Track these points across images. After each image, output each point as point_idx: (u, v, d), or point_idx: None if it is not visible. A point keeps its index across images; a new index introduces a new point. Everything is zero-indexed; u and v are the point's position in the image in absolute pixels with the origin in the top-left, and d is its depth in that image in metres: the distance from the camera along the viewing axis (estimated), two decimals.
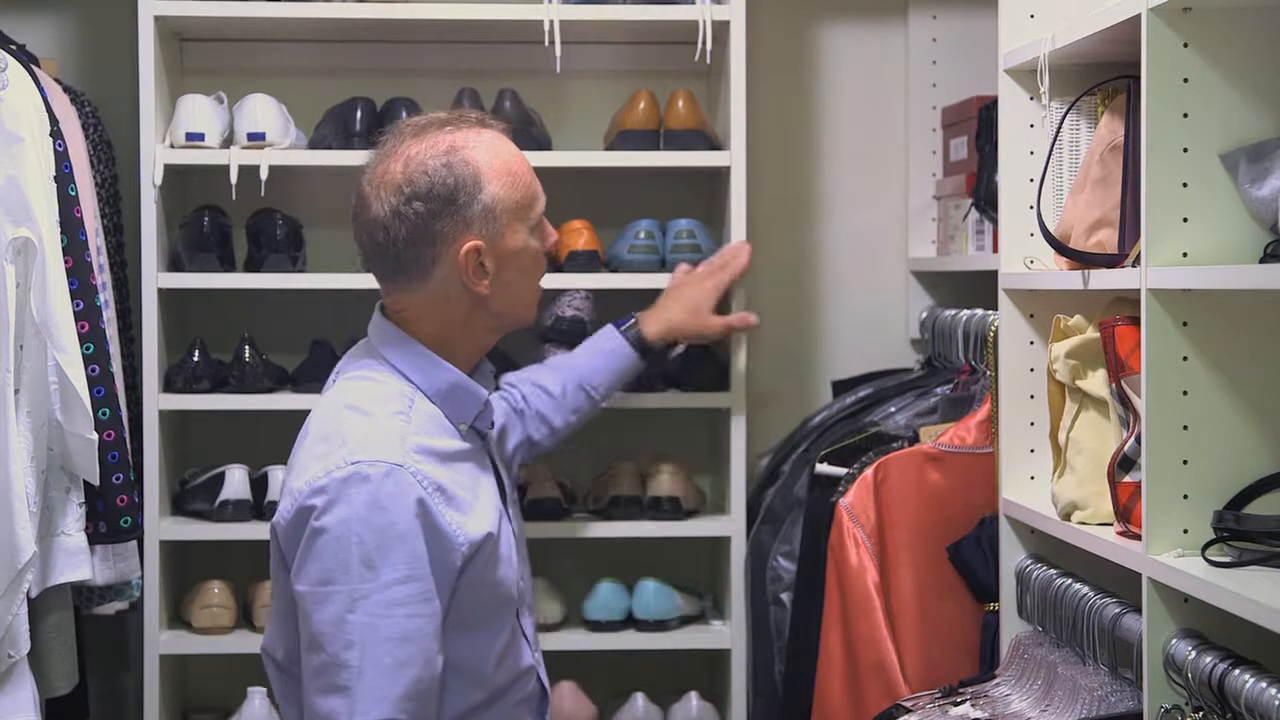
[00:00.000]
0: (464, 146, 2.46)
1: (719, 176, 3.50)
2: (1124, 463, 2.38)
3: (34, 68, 3.04)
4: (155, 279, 3.36)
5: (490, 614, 2.45)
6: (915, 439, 3.07)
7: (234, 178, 3.35)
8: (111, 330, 3.17)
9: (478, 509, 2.43)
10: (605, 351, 3.10)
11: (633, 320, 3.14)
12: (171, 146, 3.38)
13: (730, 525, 3.43)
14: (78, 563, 2.88)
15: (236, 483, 3.42)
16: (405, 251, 2.45)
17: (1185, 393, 2.25)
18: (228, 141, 3.42)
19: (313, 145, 3.47)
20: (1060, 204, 2.69)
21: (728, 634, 3.45)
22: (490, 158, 2.46)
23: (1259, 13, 2.24)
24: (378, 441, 2.37)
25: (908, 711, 2.69)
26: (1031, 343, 2.80)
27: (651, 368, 3.22)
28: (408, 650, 2.31)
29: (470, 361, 2.53)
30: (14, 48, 3.06)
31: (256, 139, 3.38)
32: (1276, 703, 2.00)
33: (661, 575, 3.52)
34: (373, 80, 3.59)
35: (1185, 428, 2.26)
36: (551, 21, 3.36)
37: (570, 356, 3.12)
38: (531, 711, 2.57)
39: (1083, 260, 2.53)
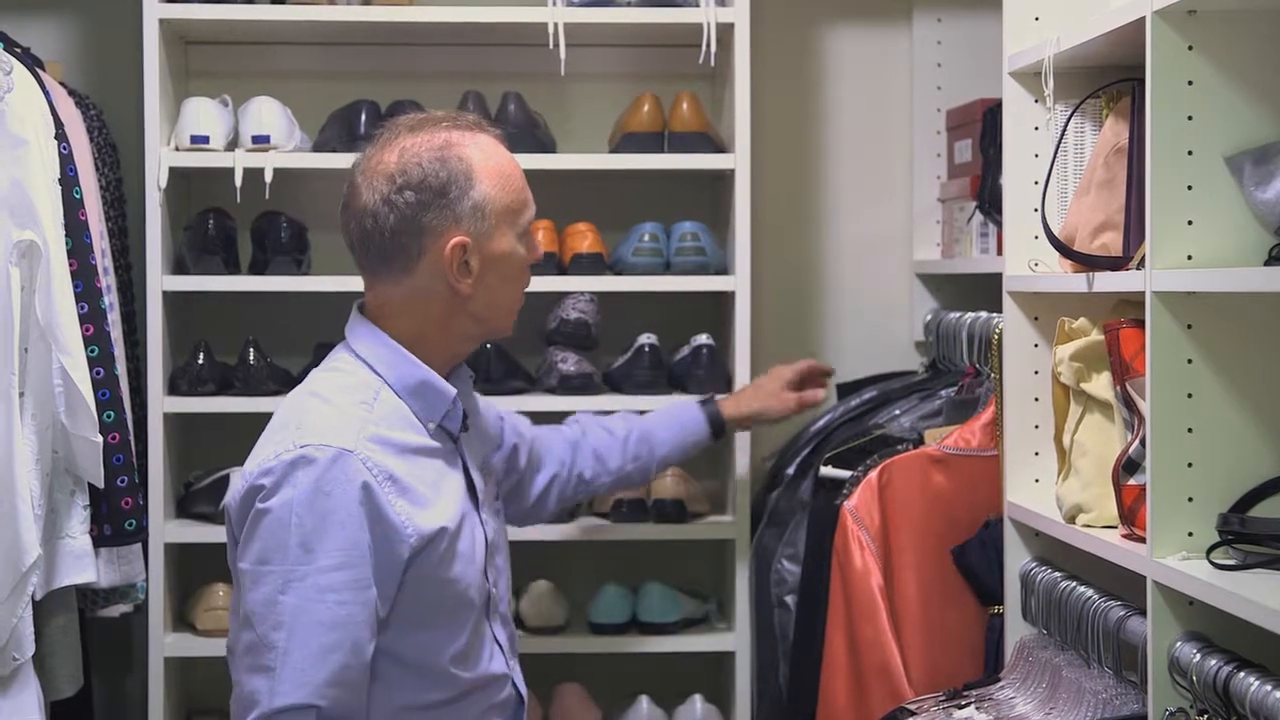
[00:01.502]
0: (459, 144, 2.46)
1: (723, 179, 3.50)
2: (1128, 465, 2.38)
3: (39, 71, 3.04)
4: (160, 281, 3.36)
5: (444, 612, 2.43)
6: (920, 441, 3.07)
7: (238, 180, 3.35)
8: (116, 333, 3.17)
9: (436, 504, 2.42)
10: (680, 421, 3.11)
11: (712, 399, 3.15)
12: (176, 149, 3.39)
13: (734, 528, 3.43)
14: (82, 565, 2.88)
15: None
16: (391, 241, 2.44)
17: (1190, 395, 2.25)
18: (232, 144, 3.43)
19: (317, 148, 3.48)
20: (1065, 207, 2.69)
21: (732, 637, 3.45)
22: (484, 158, 2.46)
23: (1264, 16, 2.24)
24: (331, 427, 2.37)
25: (912, 714, 2.69)
26: (1036, 345, 2.80)
27: (714, 443, 3.19)
28: (335, 636, 2.30)
29: (445, 366, 2.51)
30: (19, 51, 3.06)
31: (261, 142, 3.38)
32: None
33: (666, 578, 3.52)
34: (377, 83, 3.60)
35: (1190, 430, 2.26)
36: (556, 24, 3.36)
37: (646, 415, 3.12)
38: (505, 718, 2.55)
39: (1087, 263, 2.53)
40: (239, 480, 2.40)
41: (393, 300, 2.49)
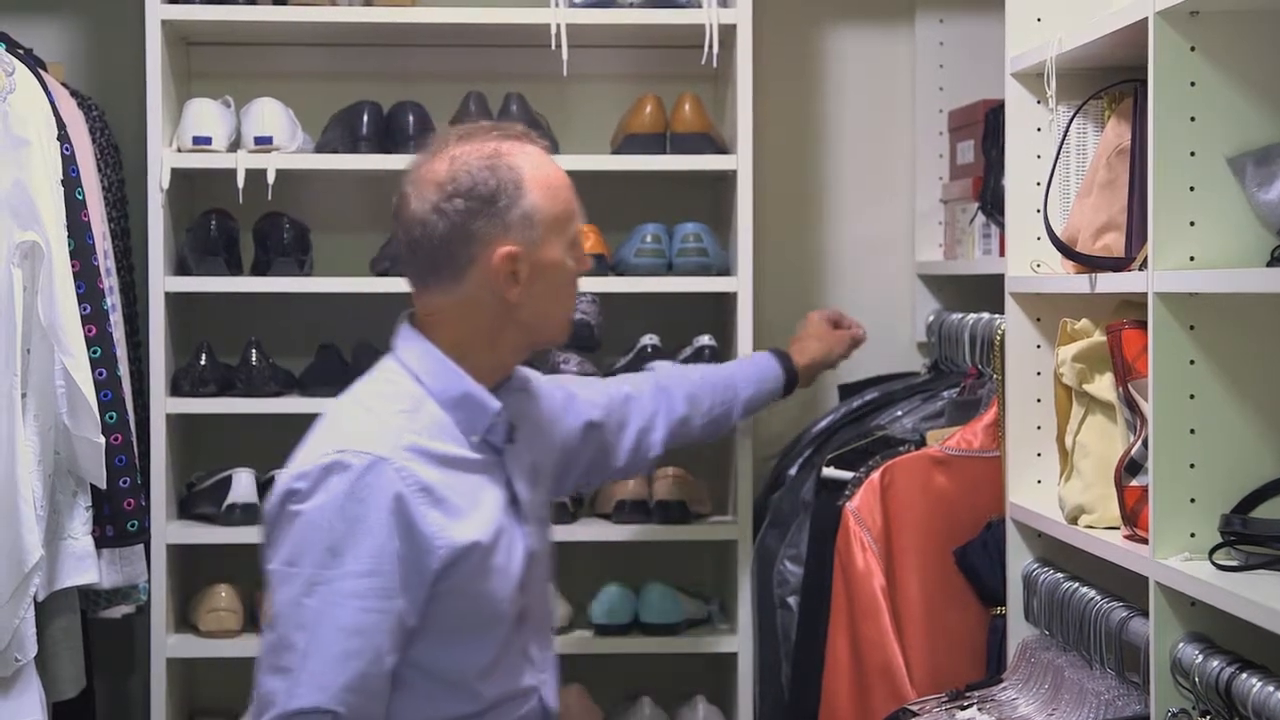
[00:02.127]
0: (509, 153, 2.45)
1: (725, 180, 3.50)
2: (1131, 466, 2.38)
3: (41, 72, 3.04)
4: (162, 282, 3.36)
5: (474, 626, 2.42)
6: (922, 442, 3.07)
7: (241, 181, 3.35)
8: (119, 334, 3.17)
9: (472, 517, 2.40)
10: (759, 368, 3.17)
11: (781, 350, 3.22)
12: (178, 150, 3.39)
13: (737, 529, 3.43)
14: (85, 566, 2.89)
15: (243, 486, 3.42)
16: (441, 249, 2.44)
17: (1192, 396, 2.25)
18: (235, 145, 3.43)
19: (319, 149, 3.48)
20: (1067, 207, 2.70)
21: (734, 638, 3.45)
22: (533, 168, 2.46)
23: (1266, 16, 2.24)
24: (369, 435, 2.37)
25: (914, 715, 2.69)
26: (1038, 346, 2.80)
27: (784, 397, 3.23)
28: (357, 642, 2.30)
29: (493, 376, 2.50)
30: (21, 52, 3.07)
31: (263, 143, 3.38)
32: None
33: (668, 579, 3.52)
34: (379, 84, 3.60)
35: (1192, 431, 2.26)
36: (558, 25, 3.36)
37: (722, 364, 3.19)
38: None
39: (1089, 264, 2.53)
40: (275, 486, 2.40)
41: (441, 310, 2.48)
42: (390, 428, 2.39)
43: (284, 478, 2.39)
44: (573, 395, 2.83)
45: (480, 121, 2.56)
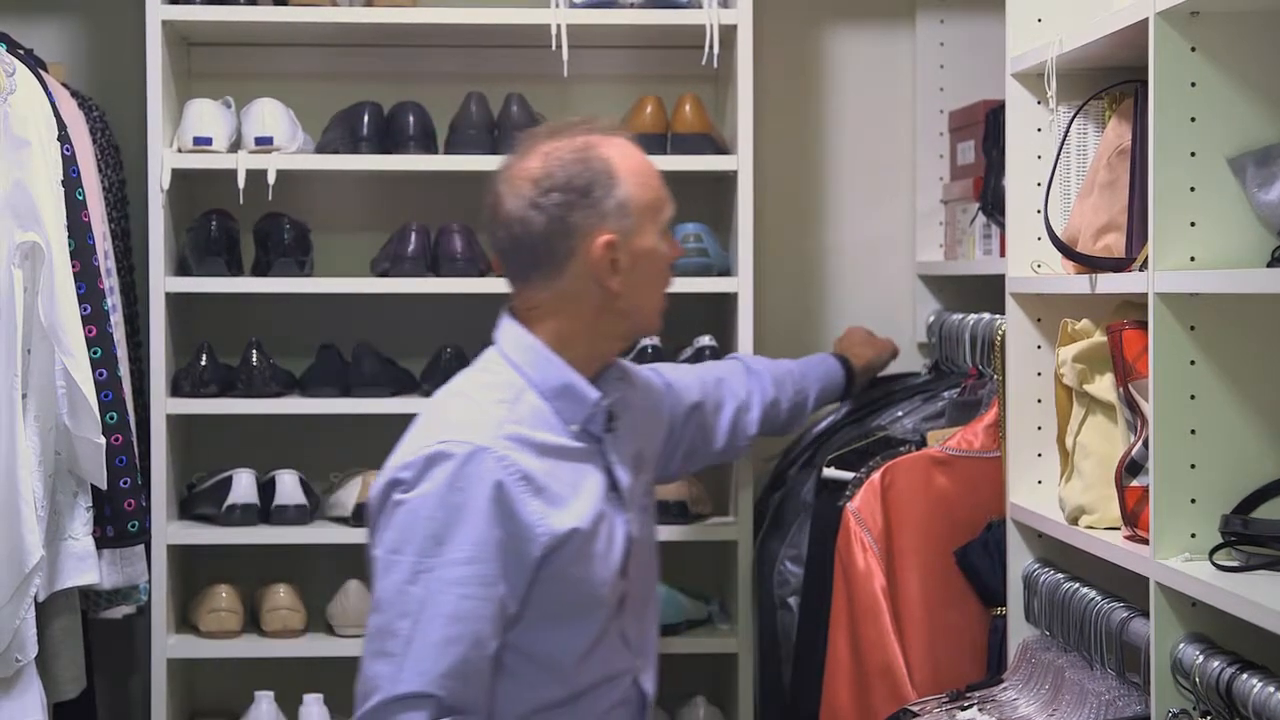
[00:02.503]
0: (598, 145, 2.51)
1: (726, 180, 3.50)
2: (1131, 467, 2.38)
3: (42, 72, 3.04)
4: (163, 283, 3.36)
5: (574, 611, 2.47)
6: (922, 443, 3.07)
7: (241, 182, 3.35)
8: (119, 334, 3.17)
9: (572, 504, 2.46)
10: (826, 366, 3.25)
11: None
12: (179, 151, 3.38)
13: (737, 529, 3.43)
14: (85, 567, 2.89)
15: (244, 487, 3.42)
16: (541, 245, 2.49)
17: (1193, 397, 2.25)
18: (235, 146, 3.43)
19: (320, 149, 3.47)
20: (1067, 208, 2.69)
21: (735, 638, 3.44)
22: (623, 157, 2.52)
23: (1267, 17, 2.24)
24: (470, 424, 2.43)
25: (915, 716, 2.69)
26: (1039, 347, 2.80)
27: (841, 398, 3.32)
28: (458, 629, 2.35)
29: (592, 366, 2.55)
30: (22, 52, 3.06)
31: (264, 143, 3.38)
32: None
33: (668, 580, 3.51)
34: (380, 84, 3.59)
35: (1193, 432, 2.26)
36: (559, 26, 3.36)
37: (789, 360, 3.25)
38: (631, 716, 2.58)
39: (1090, 264, 2.53)
40: (377, 480, 2.46)
41: (542, 303, 2.53)
42: (491, 417, 2.44)
43: (388, 468, 2.44)
44: (670, 381, 2.90)
45: (568, 118, 2.61)
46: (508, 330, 2.55)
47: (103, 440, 2.85)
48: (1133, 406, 2.40)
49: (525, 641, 2.44)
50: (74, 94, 3.33)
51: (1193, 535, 2.26)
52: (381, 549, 2.40)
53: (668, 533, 3.46)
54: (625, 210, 2.48)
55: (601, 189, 2.47)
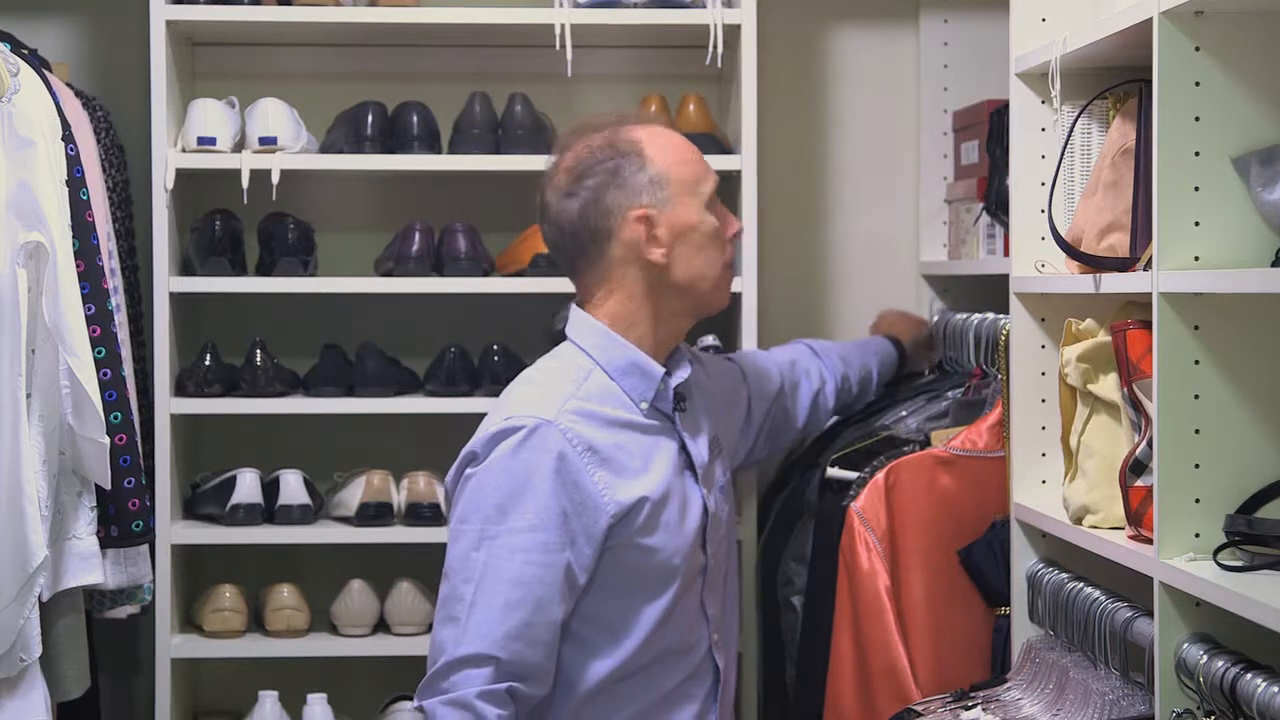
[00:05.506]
0: (627, 130, 2.63)
1: (730, 180, 3.49)
2: (1135, 467, 2.38)
3: (46, 72, 3.04)
4: (167, 283, 3.37)
5: (646, 579, 2.55)
6: (926, 443, 3.07)
7: (245, 182, 3.35)
8: (123, 334, 3.17)
9: (642, 475, 2.55)
10: (880, 344, 3.32)
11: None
12: (183, 150, 3.39)
13: (741, 529, 3.43)
14: (89, 566, 2.88)
15: (248, 486, 3.42)
16: (583, 230, 2.60)
17: (1197, 396, 2.25)
18: (239, 145, 3.43)
19: (324, 149, 3.48)
20: (1072, 208, 2.69)
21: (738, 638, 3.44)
22: (652, 136, 2.63)
23: (1271, 17, 2.24)
24: (536, 400, 2.54)
25: (919, 716, 2.69)
26: (1043, 346, 2.80)
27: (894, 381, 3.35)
28: (520, 593, 2.44)
29: (663, 346, 2.65)
30: (26, 52, 3.06)
31: (268, 143, 3.39)
32: None
33: None
34: (384, 84, 3.60)
35: (1197, 431, 2.25)
36: (562, 25, 3.36)
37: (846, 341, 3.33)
38: (705, 690, 2.66)
39: (1094, 264, 2.53)
40: (457, 460, 2.57)
41: (597, 289, 2.64)
42: (557, 394, 2.55)
43: (463, 451, 2.56)
44: (747, 368, 2.99)
45: (602, 113, 2.75)
46: (574, 318, 2.65)
47: (107, 440, 2.85)
48: (1137, 406, 2.40)
49: (596, 610, 2.52)
50: (78, 94, 3.34)
51: (1197, 535, 2.26)
52: (453, 520, 2.52)
53: None
54: (659, 184, 2.59)
55: (631, 168, 2.58)
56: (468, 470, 2.53)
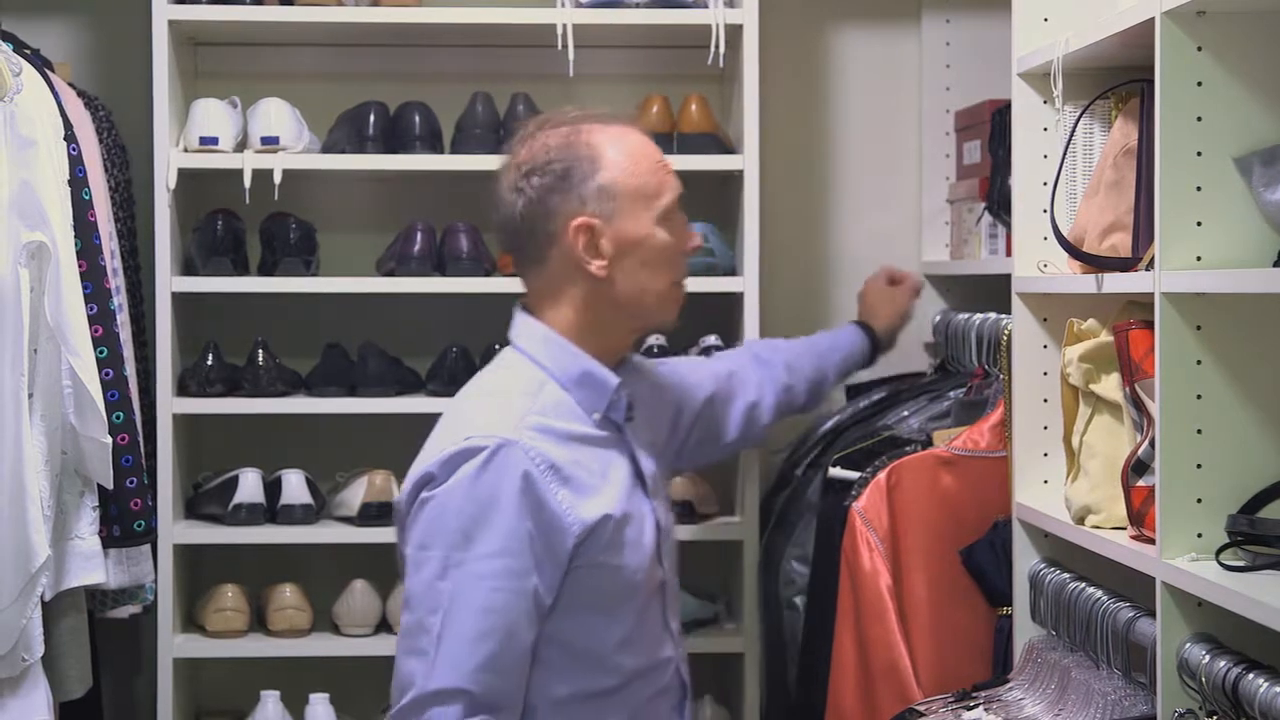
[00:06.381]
0: (587, 131, 2.48)
1: (732, 180, 3.50)
2: (1138, 467, 2.38)
3: (48, 72, 3.05)
4: (169, 283, 3.37)
5: (610, 598, 2.45)
6: (928, 443, 3.07)
7: (247, 181, 3.35)
8: (125, 334, 3.17)
9: (602, 492, 2.43)
10: (848, 337, 3.16)
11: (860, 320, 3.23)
12: (185, 150, 3.39)
13: (743, 529, 3.43)
14: (91, 566, 2.89)
15: (250, 486, 3.42)
16: (523, 227, 2.48)
17: (1199, 396, 2.25)
18: (241, 145, 3.43)
19: (326, 149, 3.48)
20: (1074, 208, 2.69)
21: (740, 638, 3.44)
22: (611, 141, 2.48)
23: (1273, 16, 2.24)
24: (494, 419, 2.40)
25: (921, 716, 2.69)
26: (1045, 346, 2.80)
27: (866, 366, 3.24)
28: (490, 622, 2.33)
29: (611, 356, 2.52)
30: (28, 52, 3.07)
31: (270, 143, 3.39)
32: None
33: None
34: (386, 84, 3.60)
35: (1199, 431, 2.25)
36: (564, 26, 3.36)
37: (809, 337, 3.18)
38: (672, 706, 2.56)
39: (1096, 264, 2.53)
40: (405, 483, 2.44)
41: (539, 291, 2.51)
42: (514, 410, 2.42)
43: (413, 473, 2.42)
44: (683, 375, 2.86)
45: (565, 109, 2.58)
46: (521, 324, 2.53)
47: (109, 440, 2.86)
48: (1139, 406, 2.40)
49: (562, 632, 2.41)
50: (80, 94, 3.34)
51: (1199, 535, 2.26)
52: (411, 546, 2.38)
53: (674, 532, 3.46)
54: (608, 194, 2.44)
55: (581, 173, 2.44)
56: (424, 493, 2.38)
